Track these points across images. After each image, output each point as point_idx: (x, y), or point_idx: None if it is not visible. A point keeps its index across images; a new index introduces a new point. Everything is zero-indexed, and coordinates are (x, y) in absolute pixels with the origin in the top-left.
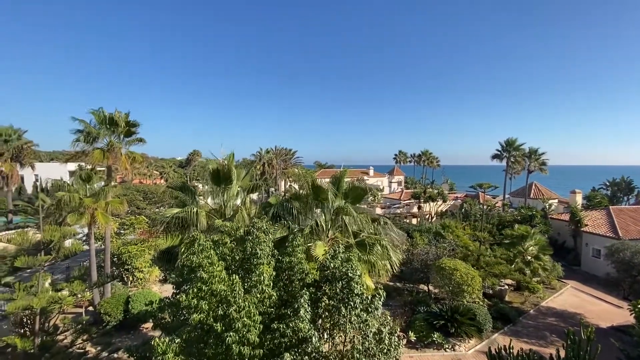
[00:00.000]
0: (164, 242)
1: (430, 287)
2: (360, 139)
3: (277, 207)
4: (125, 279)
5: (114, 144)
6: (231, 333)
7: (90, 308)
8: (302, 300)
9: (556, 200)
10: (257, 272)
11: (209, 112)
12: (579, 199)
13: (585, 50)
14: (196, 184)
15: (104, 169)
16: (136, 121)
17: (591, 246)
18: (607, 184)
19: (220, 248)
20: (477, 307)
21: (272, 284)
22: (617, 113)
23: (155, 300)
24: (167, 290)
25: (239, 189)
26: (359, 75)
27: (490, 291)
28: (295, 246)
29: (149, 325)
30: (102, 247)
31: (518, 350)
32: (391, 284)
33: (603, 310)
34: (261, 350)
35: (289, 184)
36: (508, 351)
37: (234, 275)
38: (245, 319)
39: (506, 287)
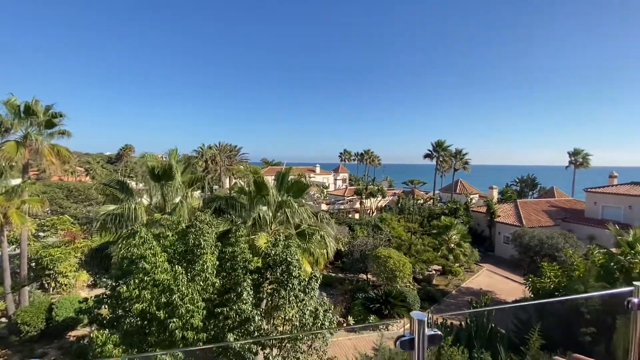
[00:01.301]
0: (97, 240)
1: (369, 276)
2: (308, 137)
3: (220, 201)
4: (47, 285)
5: (32, 136)
6: (174, 319)
7: (4, 319)
8: (245, 284)
9: (477, 195)
10: (201, 262)
11: (148, 103)
12: (495, 194)
13: (507, 57)
14: (128, 180)
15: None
16: (60, 112)
17: (502, 234)
18: (517, 181)
19: (162, 241)
20: (408, 290)
21: (215, 272)
22: (526, 119)
23: (90, 297)
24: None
25: (179, 185)
26: (307, 77)
27: (420, 276)
28: (238, 237)
29: (78, 332)
30: (17, 251)
31: (434, 322)
32: (333, 274)
33: (510, 288)
34: (205, 334)
35: (234, 181)
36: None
37: (177, 265)
38: (189, 305)
39: (433, 272)
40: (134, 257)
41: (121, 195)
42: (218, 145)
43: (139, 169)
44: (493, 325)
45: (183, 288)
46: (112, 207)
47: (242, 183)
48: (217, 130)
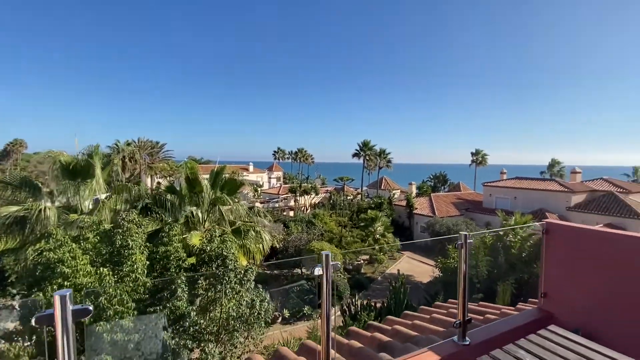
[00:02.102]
0: None
1: (303, 270)
2: (242, 135)
3: (147, 200)
4: None
5: None
6: (101, 322)
7: None
8: (179, 282)
9: (399, 191)
10: (129, 262)
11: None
12: (414, 189)
13: (422, 62)
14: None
15: None
16: None
17: (419, 224)
18: (431, 177)
19: (83, 243)
20: (339, 279)
21: (146, 272)
22: (437, 122)
23: None
24: None
25: (100, 183)
26: (242, 73)
27: (350, 266)
28: (171, 236)
29: None
30: None
31: (360, 303)
32: (268, 272)
33: (425, 270)
34: (136, 335)
35: (156, 180)
36: (354, 304)
37: (101, 268)
38: (118, 307)
39: (362, 261)
40: (50, 262)
41: (25, 194)
42: (137, 142)
43: (43, 167)
44: (409, 300)
45: (110, 290)
46: (14, 208)
47: (167, 182)
48: (143, 125)
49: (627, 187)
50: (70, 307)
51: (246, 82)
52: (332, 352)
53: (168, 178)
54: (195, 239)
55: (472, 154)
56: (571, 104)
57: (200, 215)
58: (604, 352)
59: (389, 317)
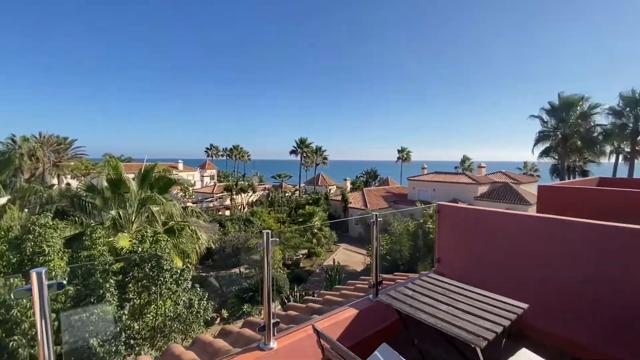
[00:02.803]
0: None
1: (242, 269)
2: (168, 133)
3: (61, 203)
4: None
5: None
6: (15, 337)
7: None
8: (107, 285)
9: (335, 186)
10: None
11: None
12: (348, 185)
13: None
14: None
15: None
16: None
17: (353, 216)
18: (364, 173)
19: None
20: (279, 275)
21: (67, 279)
22: (368, 121)
23: None
24: None
25: None
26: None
27: (290, 261)
28: (95, 239)
29: None
30: None
31: (299, 294)
32: (204, 274)
33: (358, 260)
34: (59, 347)
35: (65, 181)
36: (293, 295)
37: (11, 279)
38: (34, 318)
39: (301, 255)
40: None
41: None
42: (39, 137)
43: None
44: (342, 282)
45: (24, 300)
46: None
47: (81, 183)
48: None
49: (519, 178)
50: (45, 282)
51: (166, 77)
52: (271, 318)
53: (83, 178)
54: (123, 241)
55: (399, 151)
56: (478, 108)
57: (128, 216)
58: (458, 284)
59: (322, 291)
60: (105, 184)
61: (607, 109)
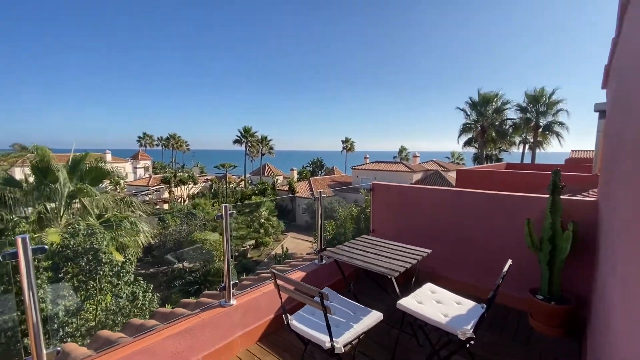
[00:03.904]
0: None
1: (185, 263)
2: (88, 121)
3: None
4: None
5: None
6: None
7: None
8: (39, 282)
9: (282, 176)
10: None
11: None
12: (295, 174)
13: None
14: None
15: None
16: None
17: (301, 205)
18: (310, 163)
19: None
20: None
21: None
22: (314, 112)
23: None
24: None
25: None
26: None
27: (237, 252)
28: (16, 235)
29: None
30: None
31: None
32: (143, 271)
33: (305, 247)
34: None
35: None
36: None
37: None
38: None
39: (248, 246)
40: None
41: None
42: None
43: None
44: None
45: None
46: None
47: None
48: None
49: (447, 166)
50: (29, 246)
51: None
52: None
53: None
54: (53, 236)
55: (343, 141)
56: (412, 102)
57: (56, 210)
58: (383, 240)
59: (273, 266)
60: (25, 175)
61: (515, 105)
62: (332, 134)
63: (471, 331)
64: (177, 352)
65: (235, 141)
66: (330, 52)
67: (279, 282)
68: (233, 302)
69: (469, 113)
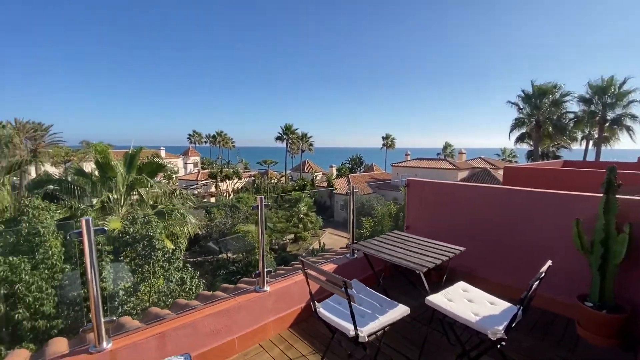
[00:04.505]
0: None
1: (229, 254)
2: (151, 118)
3: (52, 186)
4: None
5: None
6: (20, 310)
7: None
8: (103, 263)
9: (321, 173)
10: (43, 250)
11: None
12: (334, 171)
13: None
14: None
15: None
16: None
17: (338, 202)
18: (349, 159)
19: None
20: (266, 258)
21: (63, 258)
22: (353, 111)
23: None
24: None
25: None
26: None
27: (276, 246)
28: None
29: None
30: None
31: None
32: (191, 259)
33: (344, 243)
34: (59, 321)
35: (43, 168)
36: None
37: (10, 257)
38: (37, 293)
39: (287, 240)
40: None
41: None
42: (15, 123)
43: None
44: None
45: (27, 277)
46: None
47: (58, 171)
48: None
49: (497, 164)
50: (92, 227)
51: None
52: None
53: (64, 165)
54: (114, 223)
55: (383, 138)
56: (458, 99)
57: (117, 200)
58: (414, 236)
59: (302, 255)
60: (91, 169)
61: (577, 97)
62: (373, 132)
63: (502, 332)
64: (215, 330)
65: (277, 138)
66: (383, 51)
67: (308, 271)
68: (267, 288)
69: (522, 107)
